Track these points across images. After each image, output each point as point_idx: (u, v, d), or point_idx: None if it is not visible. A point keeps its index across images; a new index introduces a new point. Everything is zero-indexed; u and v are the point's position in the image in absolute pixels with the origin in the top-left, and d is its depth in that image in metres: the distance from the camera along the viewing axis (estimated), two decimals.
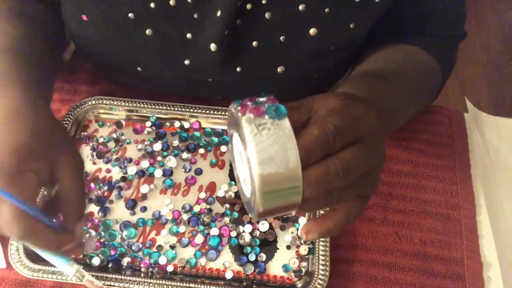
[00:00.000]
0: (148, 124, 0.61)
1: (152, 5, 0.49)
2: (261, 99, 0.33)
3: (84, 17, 0.52)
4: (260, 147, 0.31)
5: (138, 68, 0.56)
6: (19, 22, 0.52)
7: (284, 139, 0.31)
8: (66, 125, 0.59)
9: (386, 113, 0.47)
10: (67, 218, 0.43)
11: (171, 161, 0.58)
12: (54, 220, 0.43)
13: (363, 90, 0.46)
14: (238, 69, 0.54)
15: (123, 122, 0.61)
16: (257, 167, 0.30)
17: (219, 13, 0.49)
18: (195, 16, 0.50)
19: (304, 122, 0.35)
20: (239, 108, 0.32)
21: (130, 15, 0.50)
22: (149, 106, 0.61)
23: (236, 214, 0.54)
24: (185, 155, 0.58)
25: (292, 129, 0.32)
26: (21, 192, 0.39)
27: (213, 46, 0.51)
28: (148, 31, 0.51)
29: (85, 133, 0.60)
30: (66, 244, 0.42)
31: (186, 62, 0.53)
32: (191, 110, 0.61)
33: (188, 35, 0.51)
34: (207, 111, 0.61)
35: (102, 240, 0.53)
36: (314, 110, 0.35)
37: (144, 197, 0.56)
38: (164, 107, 0.61)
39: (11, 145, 0.40)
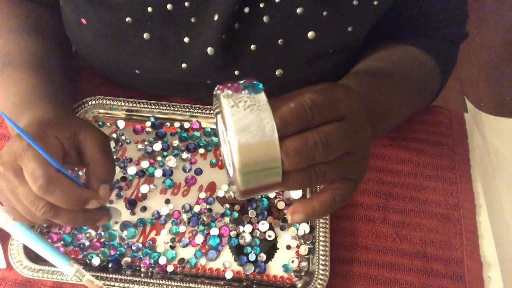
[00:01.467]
0: (148, 124, 0.61)
1: (149, 9, 0.49)
2: (241, 81, 0.34)
3: (83, 21, 0.52)
4: (236, 117, 0.32)
5: (137, 71, 0.56)
6: (35, 35, 0.55)
7: (260, 109, 0.32)
8: None
9: (380, 110, 0.48)
10: (91, 177, 0.45)
11: (171, 161, 0.58)
12: (78, 177, 0.44)
13: (358, 87, 0.46)
14: (236, 72, 0.54)
15: (123, 122, 0.61)
16: (234, 136, 0.31)
17: (216, 17, 0.49)
18: (193, 20, 0.50)
19: None
20: (219, 86, 0.34)
21: (128, 19, 0.50)
22: (149, 106, 0.61)
23: (236, 214, 0.54)
24: (185, 155, 0.58)
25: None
26: (46, 149, 0.41)
27: (210, 50, 0.51)
28: (145, 35, 0.51)
29: None
30: (89, 201, 0.43)
31: (184, 65, 0.53)
32: (191, 110, 0.61)
33: (186, 39, 0.51)
34: (207, 111, 0.61)
35: (102, 240, 0.53)
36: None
37: (144, 197, 0.56)
38: (164, 107, 0.61)
39: (37, 120, 0.45)
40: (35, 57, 0.54)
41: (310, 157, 0.33)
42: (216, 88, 0.34)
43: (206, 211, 0.55)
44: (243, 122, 0.32)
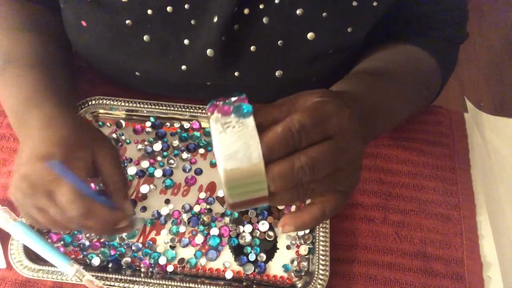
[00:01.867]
0: (148, 124, 0.61)
1: (149, 11, 0.49)
2: (232, 99, 0.35)
3: (84, 23, 0.52)
4: (223, 144, 0.33)
5: (137, 73, 0.56)
6: (36, 34, 0.56)
7: (247, 136, 0.33)
8: None
9: (380, 110, 0.48)
10: (115, 196, 0.47)
11: (171, 161, 0.58)
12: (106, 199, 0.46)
13: (357, 87, 0.47)
14: (236, 73, 0.54)
15: (123, 122, 0.61)
16: (221, 163, 0.33)
17: (216, 19, 0.49)
18: (192, 22, 0.50)
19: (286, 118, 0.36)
20: (210, 108, 0.35)
21: (128, 21, 0.50)
22: (149, 106, 0.61)
23: (236, 214, 0.54)
24: (185, 155, 0.58)
25: (265, 126, 0.34)
26: (78, 174, 0.44)
27: (210, 52, 0.51)
28: (145, 37, 0.51)
29: None
30: (121, 221, 0.45)
31: (184, 67, 0.53)
32: (191, 110, 0.61)
33: (186, 41, 0.51)
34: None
35: (102, 240, 0.53)
36: (295, 107, 0.37)
37: (144, 197, 0.56)
38: (164, 107, 0.61)
39: (57, 138, 0.45)
40: (37, 54, 0.54)
41: (296, 180, 0.34)
42: (207, 107, 0.35)
43: (206, 211, 0.55)
44: (230, 149, 0.33)
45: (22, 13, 0.57)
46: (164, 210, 0.55)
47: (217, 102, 0.35)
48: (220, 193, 0.56)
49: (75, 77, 0.63)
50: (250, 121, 0.33)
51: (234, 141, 0.33)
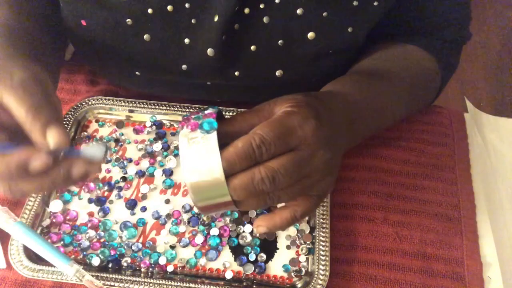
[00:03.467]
0: (148, 124, 0.61)
1: (149, 11, 0.49)
2: (204, 113, 0.38)
3: (83, 22, 0.52)
4: (188, 159, 0.36)
5: (137, 73, 0.56)
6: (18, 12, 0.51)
7: (210, 151, 0.36)
8: (65, 126, 0.59)
9: (371, 110, 0.50)
10: (28, 129, 0.37)
11: (171, 161, 0.58)
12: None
13: (350, 87, 0.49)
14: (236, 73, 0.54)
15: (123, 122, 0.61)
16: (186, 175, 0.36)
17: (216, 18, 0.49)
18: (193, 21, 0.50)
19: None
20: (182, 122, 0.38)
21: (128, 20, 0.50)
22: (149, 106, 0.61)
23: (236, 214, 0.54)
24: None
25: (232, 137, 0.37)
26: None
27: (210, 51, 0.51)
28: (146, 37, 0.51)
29: (85, 133, 0.60)
30: (30, 161, 0.36)
31: (184, 67, 0.53)
32: (191, 110, 0.61)
33: (186, 40, 0.51)
34: None
35: (102, 240, 0.53)
36: (273, 113, 0.39)
37: (144, 197, 0.56)
38: (164, 107, 0.61)
39: None
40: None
41: (258, 190, 0.36)
42: (180, 121, 0.38)
43: None
44: (194, 164, 0.36)
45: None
46: (164, 210, 0.55)
47: (190, 116, 0.38)
48: None
49: (63, 64, 0.61)
50: (213, 136, 0.36)
51: (198, 156, 0.36)
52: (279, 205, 0.42)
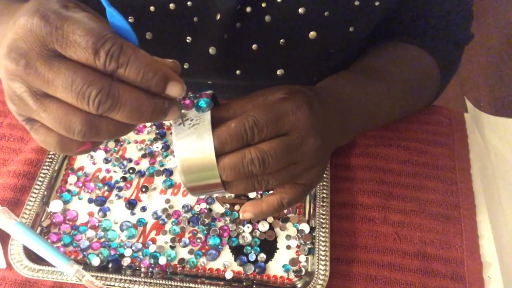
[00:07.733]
0: (148, 124, 0.61)
1: (152, 8, 0.49)
2: (199, 94, 0.38)
3: None
4: (180, 135, 0.36)
5: None
6: None
7: (202, 129, 0.36)
8: None
9: (364, 108, 0.50)
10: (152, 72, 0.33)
11: (171, 161, 0.58)
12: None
13: (342, 84, 0.49)
14: (237, 72, 0.54)
15: None
16: (177, 152, 0.36)
17: (218, 17, 0.49)
18: (195, 20, 0.50)
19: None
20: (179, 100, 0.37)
21: (130, 18, 0.50)
22: None
23: (236, 214, 0.54)
24: None
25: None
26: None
27: (212, 50, 0.51)
28: (148, 35, 0.51)
29: None
30: (171, 74, 0.33)
31: (186, 65, 0.53)
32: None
33: (188, 39, 0.51)
34: None
35: (102, 240, 0.53)
36: (268, 100, 0.40)
37: (144, 197, 0.56)
38: None
39: None
40: None
41: (247, 172, 0.36)
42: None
43: (206, 211, 0.55)
44: (185, 141, 0.36)
45: None
46: (164, 210, 0.55)
47: (187, 96, 0.37)
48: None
49: None
50: (207, 115, 0.36)
51: (189, 133, 0.36)
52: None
